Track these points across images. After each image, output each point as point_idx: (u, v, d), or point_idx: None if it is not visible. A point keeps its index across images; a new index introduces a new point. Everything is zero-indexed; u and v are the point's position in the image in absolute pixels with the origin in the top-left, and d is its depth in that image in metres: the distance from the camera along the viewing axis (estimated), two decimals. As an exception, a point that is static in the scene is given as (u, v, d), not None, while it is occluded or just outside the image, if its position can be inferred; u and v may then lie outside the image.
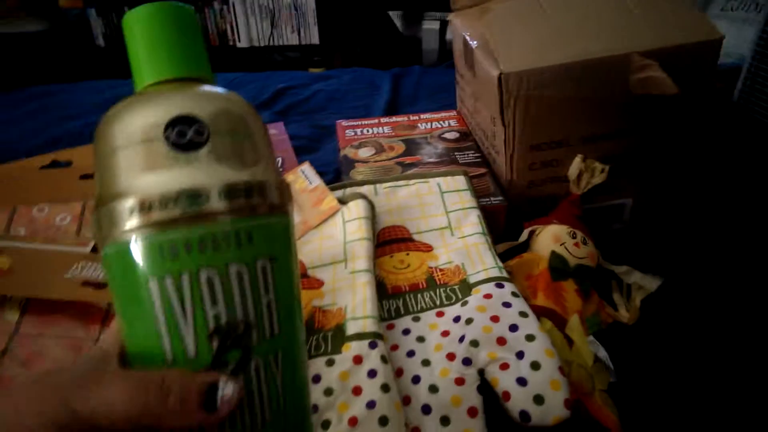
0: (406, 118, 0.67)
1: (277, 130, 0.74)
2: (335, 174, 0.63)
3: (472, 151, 0.58)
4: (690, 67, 0.45)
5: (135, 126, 0.20)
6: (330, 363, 0.36)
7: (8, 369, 0.38)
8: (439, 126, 0.64)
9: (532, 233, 0.48)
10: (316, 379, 0.35)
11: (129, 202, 0.19)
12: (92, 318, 0.41)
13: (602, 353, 0.39)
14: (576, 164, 0.49)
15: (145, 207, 0.19)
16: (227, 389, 0.19)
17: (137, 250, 0.19)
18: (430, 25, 1.75)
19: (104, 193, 0.20)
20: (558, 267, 0.44)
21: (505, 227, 0.51)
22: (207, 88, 0.21)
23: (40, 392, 0.19)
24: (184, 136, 0.19)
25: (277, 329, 0.21)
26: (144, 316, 0.19)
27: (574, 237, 0.46)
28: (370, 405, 0.33)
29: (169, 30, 0.21)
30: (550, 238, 0.46)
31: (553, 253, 0.45)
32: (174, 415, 0.19)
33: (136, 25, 0.21)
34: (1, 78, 1.07)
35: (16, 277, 0.40)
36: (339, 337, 0.38)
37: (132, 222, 0.19)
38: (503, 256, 0.45)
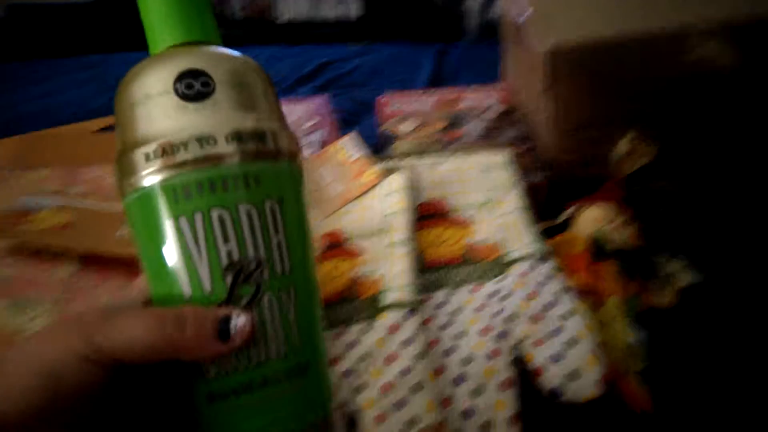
0: (449, 93, 0.66)
1: (321, 102, 0.74)
2: (373, 149, 0.63)
3: (516, 128, 0.57)
4: (756, 43, 0.43)
5: (149, 82, 0.21)
6: (366, 330, 0.37)
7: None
8: (483, 102, 0.63)
9: (573, 213, 0.47)
10: (353, 344, 0.36)
11: (145, 150, 0.21)
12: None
13: (639, 336, 0.38)
14: (624, 143, 0.48)
15: (158, 153, 0.21)
16: (240, 320, 0.20)
17: (154, 194, 0.21)
18: (473, 1, 1.71)
19: (123, 146, 0.22)
20: (599, 248, 0.43)
21: (545, 206, 0.50)
22: (213, 48, 0.23)
23: (66, 328, 0.20)
24: (192, 87, 0.21)
25: (288, 267, 0.22)
26: (163, 257, 0.21)
27: (616, 218, 0.45)
28: (404, 372, 0.34)
29: (177, 1, 0.23)
30: (592, 219, 0.45)
31: (595, 234, 0.44)
32: (191, 346, 0.20)
33: None
34: (55, 46, 1.11)
35: (75, 233, 0.43)
36: (376, 305, 0.38)
37: (148, 168, 0.21)
38: (543, 235, 0.45)
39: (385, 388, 0.33)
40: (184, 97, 0.21)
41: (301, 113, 0.71)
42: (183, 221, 0.21)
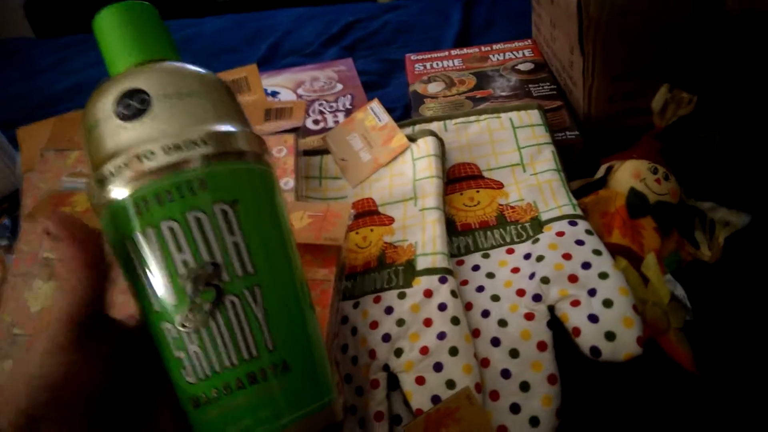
0: (477, 50, 0.64)
1: (345, 66, 0.73)
2: (404, 110, 0.62)
3: (548, 83, 0.55)
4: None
5: (96, 108, 0.23)
6: (402, 296, 0.38)
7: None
8: (513, 57, 0.61)
9: (609, 169, 0.46)
10: (389, 310, 0.37)
11: (98, 174, 0.22)
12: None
13: (680, 292, 0.38)
14: (661, 94, 0.46)
15: (107, 176, 0.22)
16: None
17: (110, 216, 0.22)
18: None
19: (89, 171, 0.23)
20: (636, 204, 0.42)
21: (580, 163, 0.49)
22: (160, 64, 0.24)
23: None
24: (129, 107, 0.22)
25: (250, 267, 0.22)
26: (130, 274, 0.22)
27: (655, 172, 0.43)
28: (441, 336, 0.34)
29: (125, 26, 0.24)
30: (630, 174, 0.44)
31: (632, 190, 0.43)
32: None
33: (99, 26, 0.25)
34: (85, 22, 1.12)
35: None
36: (410, 271, 0.39)
37: (103, 191, 0.22)
38: (578, 193, 0.44)
39: (422, 351, 0.34)
40: (124, 117, 0.22)
41: (327, 79, 0.70)
42: (138, 237, 0.21)
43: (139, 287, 0.22)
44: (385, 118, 0.49)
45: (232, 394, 0.21)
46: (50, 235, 0.21)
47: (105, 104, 0.22)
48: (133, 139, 0.22)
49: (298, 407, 0.22)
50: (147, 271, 0.21)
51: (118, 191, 0.21)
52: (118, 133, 0.22)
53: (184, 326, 0.21)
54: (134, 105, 0.22)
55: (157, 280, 0.21)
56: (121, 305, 0.24)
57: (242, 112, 0.25)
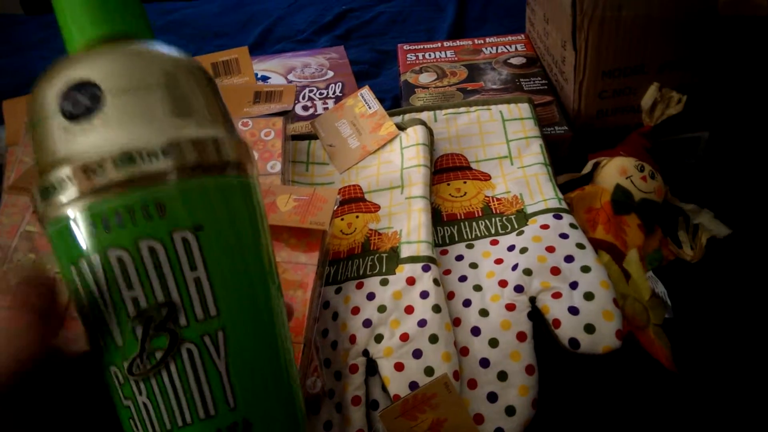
0: (470, 43, 0.64)
1: (337, 54, 0.73)
2: (394, 101, 0.62)
3: (539, 78, 0.55)
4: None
5: (39, 102, 0.18)
6: (384, 282, 0.37)
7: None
8: (505, 51, 0.61)
9: (596, 165, 0.46)
10: (371, 296, 0.37)
11: (39, 182, 0.18)
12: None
13: (660, 289, 0.38)
14: (651, 93, 0.46)
15: (50, 188, 0.18)
16: None
17: (54, 233, 0.18)
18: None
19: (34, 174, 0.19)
20: (621, 200, 0.42)
21: (568, 158, 0.49)
22: (121, 45, 0.19)
23: None
24: (77, 104, 0.18)
25: (213, 309, 0.18)
26: (79, 302, 0.18)
27: (641, 170, 0.44)
28: (421, 323, 0.34)
29: None
30: (616, 171, 0.44)
31: (618, 186, 0.43)
32: None
33: None
34: None
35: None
36: (393, 259, 0.39)
37: (45, 204, 0.18)
38: (564, 188, 0.44)
39: (403, 337, 0.34)
40: (70, 116, 0.18)
41: (318, 66, 0.70)
42: (82, 264, 0.18)
43: (86, 318, 0.18)
44: (375, 105, 0.49)
45: None
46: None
47: (50, 97, 0.18)
48: (80, 145, 0.17)
49: None
50: (92, 303, 0.18)
51: (62, 208, 0.17)
52: (62, 135, 0.18)
53: (131, 373, 0.18)
54: (82, 101, 0.18)
55: (104, 317, 0.18)
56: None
57: (222, 109, 0.21)
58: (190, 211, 0.18)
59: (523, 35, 0.64)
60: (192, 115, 0.19)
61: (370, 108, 0.49)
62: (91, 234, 0.17)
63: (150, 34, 0.20)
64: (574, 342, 0.33)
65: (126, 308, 0.17)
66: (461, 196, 0.45)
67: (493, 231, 0.41)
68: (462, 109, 0.49)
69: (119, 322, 0.18)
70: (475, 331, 0.35)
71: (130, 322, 0.17)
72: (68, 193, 0.17)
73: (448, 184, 0.45)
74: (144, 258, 0.17)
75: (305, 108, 0.61)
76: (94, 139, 0.17)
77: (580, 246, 0.37)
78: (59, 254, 0.18)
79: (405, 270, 0.38)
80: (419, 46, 0.65)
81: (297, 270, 0.37)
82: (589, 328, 0.33)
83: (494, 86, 0.55)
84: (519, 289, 0.36)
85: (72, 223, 0.17)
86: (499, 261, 0.39)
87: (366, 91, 0.50)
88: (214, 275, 0.18)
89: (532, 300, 0.35)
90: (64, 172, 0.17)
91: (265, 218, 0.21)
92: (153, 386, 0.18)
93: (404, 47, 0.65)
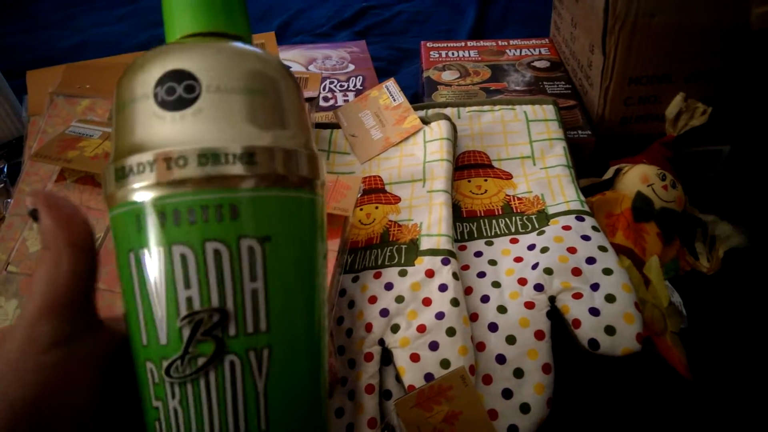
0: (493, 44, 0.64)
1: (359, 48, 0.73)
2: (412, 99, 0.62)
3: (563, 82, 0.55)
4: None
5: (134, 83, 0.18)
6: (403, 273, 0.37)
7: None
8: (529, 54, 0.61)
9: (618, 171, 0.46)
10: (389, 286, 0.37)
11: (117, 164, 0.18)
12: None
13: (676, 298, 0.38)
14: (676, 103, 0.46)
15: (127, 171, 0.18)
16: None
17: (120, 216, 0.18)
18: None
19: (112, 153, 0.19)
20: (642, 208, 0.42)
21: (590, 163, 0.49)
22: (223, 43, 0.19)
23: None
24: (173, 93, 0.18)
25: (264, 325, 0.18)
26: (127, 287, 0.18)
27: (663, 179, 0.44)
28: (439, 316, 0.34)
29: None
30: (638, 178, 0.44)
31: (639, 193, 0.43)
32: None
33: None
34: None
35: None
36: (413, 250, 0.39)
37: (118, 185, 0.18)
38: (585, 192, 0.44)
39: (420, 329, 0.34)
40: (163, 104, 0.18)
41: (339, 59, 0.70)
42: (143, 254, 0.17)
43: (130, 306, 0.18)
44: (400, 98, 0.49)
45: None
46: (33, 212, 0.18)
47: (146, 80, 0.18)
48: (168, 134, 0.17)
49: None
50: (143, 294, 0.17)
51: (135, 193, 0.17)
52: (152, 121, 0.18)
53: (169, 374, 0.17)
54: (179, 92, 0.18)
55: (152, 311, 0.17)
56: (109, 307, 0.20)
57: (306, 120, 0.20)
58: (261, 221, 0.18)
59: (546, 39, 0.64)
60: (281, 125, 0.19)
61: (394, 100, 0.49)
62: (159, 225, 0.17)
63: (250, 37, 0.20)
64: (593, 343, 0.33)
65: (178, 306, 0.17)
66: (482, 194, 0.44)
67: (513, 229, 0.41)
68: (486, 108, 0.49)
69: (168, 320, 0.17)
70: (493, 327, 0.35)
71: (178, 322, 0.17)
72: (145, 180, 0.17)
73: (469, 181, 0.45)
74: (207, 259, 0.17)
75: (325, 99, 0.61)
76: (181, 130, 0.17)
77: (602, 248, 0.37)
78: (120, 238, 0.18)
79: (424, 262, 0.37)
80: (442, 44, 0.65)
81: (317, 255, 0.36)
82: (610, 330, 0.33)
83: (517, 87, 0.55)
84: (539, 287, 0.36)
85: (141, 211, 0.17)
86: (518, 259, 0.39)
87: (391, 84, 0.50)
88: (272, 289, 0.18)
89: (552, 299, 0.35)
90: (145, 157, 0.17)
91: (326, 239, 0.21)
92: (188, 393, 0.17)
93: (427, 44, 0.65)
